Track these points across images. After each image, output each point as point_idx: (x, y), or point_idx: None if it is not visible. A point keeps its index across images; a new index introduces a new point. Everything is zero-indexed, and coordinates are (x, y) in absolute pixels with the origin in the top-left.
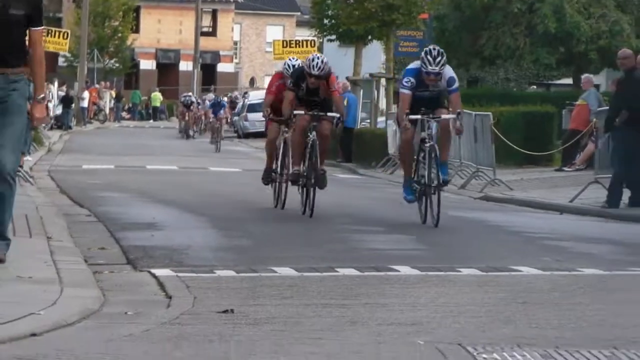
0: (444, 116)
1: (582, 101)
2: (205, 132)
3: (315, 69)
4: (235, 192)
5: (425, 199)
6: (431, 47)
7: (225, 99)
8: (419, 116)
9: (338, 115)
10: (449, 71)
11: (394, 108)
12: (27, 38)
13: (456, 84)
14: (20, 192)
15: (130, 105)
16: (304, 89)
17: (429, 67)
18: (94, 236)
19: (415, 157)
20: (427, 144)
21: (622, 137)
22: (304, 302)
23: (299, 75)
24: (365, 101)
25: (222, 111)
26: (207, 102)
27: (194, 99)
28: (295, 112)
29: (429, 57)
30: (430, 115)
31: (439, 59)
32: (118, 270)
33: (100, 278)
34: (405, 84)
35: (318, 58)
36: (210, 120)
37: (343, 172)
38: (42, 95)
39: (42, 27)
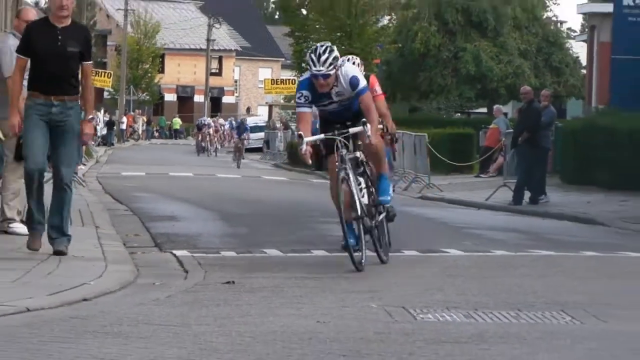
0: (351, 130)
1: (494, 125)
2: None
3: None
4: (235, 192)
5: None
6: (318, 44)
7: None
8: (321, 136)
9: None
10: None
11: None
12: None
13: (362, 84)
14: (75, 193)
15: (158, 127)
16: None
17: (314, 69)
18: (130, 226)
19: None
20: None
21: (523, 153)
22: (287, 275)
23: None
24: None
25: (245, 133)
26: (227, 125)
27: (206, 122)
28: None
29: (312, 56)
30: (336, 132)
31: (324, 56)
32: (148, 252)
33: (134, 257)
34: (298, 100)
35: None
36: (234, 140)
37: (315, 177)
38: (91, 116)
39: (92, 62)
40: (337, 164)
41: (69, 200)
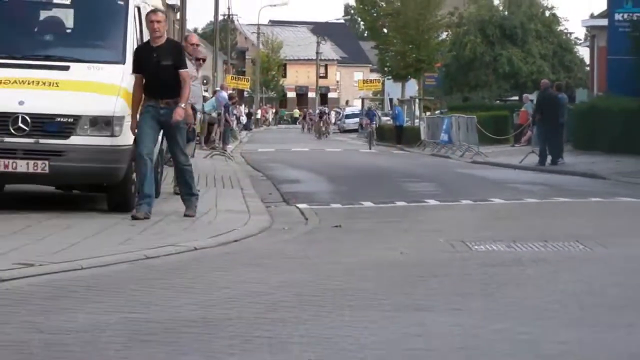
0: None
1: (523, 109)
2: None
3: None
4: (338, 161)
5: None
6: None
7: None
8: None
9: None
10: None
11: (423, 114)
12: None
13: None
14: (226, 165)
15: (282, 116)
16: None
17: None
18: (266, 187)
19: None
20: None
21: (540, 128)
22: (378, 220)
23: None
24: (408, 111)
25: (374, 118)
26: (333, 114)
27: (326, 110)
28: None
29: None
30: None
31: None
32: (279, 205)
33: (269, 210)
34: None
35: None
36: (365, 123)
37: (396, 149)
38: (183, 104)
39: (186, 69)
40: None
41: (190, 173)
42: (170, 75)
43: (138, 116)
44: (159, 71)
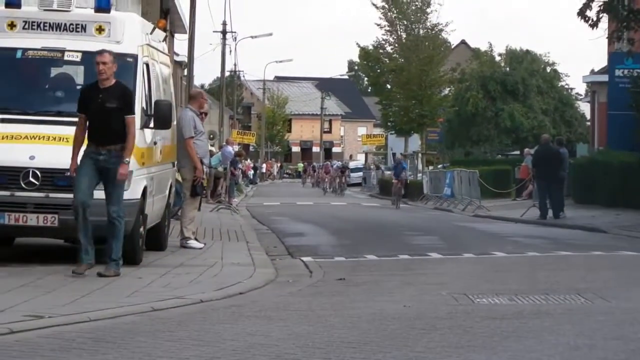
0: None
1: (524, 163)
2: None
3: None
4: (343, 215)
5: None
6: None
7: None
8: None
9: None
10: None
11: (426, 169)
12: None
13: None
14: (232, 218)
15: (289, 170)
16: None
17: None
18: (271, 240)
19: None
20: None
21: (540, 182)
22: (382, 273)
23: None
24: (411, 166)
25: (402, 172)
26: (334, 166)
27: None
28: None
29: None
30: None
31: None
32: (283, 258)
33: (274, 262)
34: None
35: None
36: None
37: (402, 203)
38: (127, 159)
39: (133, 115)
40: None
41: (119, 230)
42: (114, 119)
43: (78, 160)
44: (103, 113)
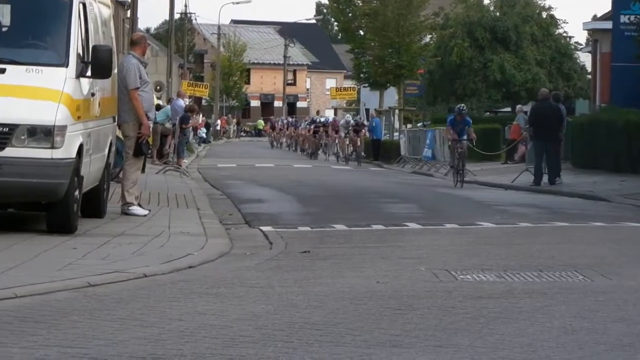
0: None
1: (515, 122)
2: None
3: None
4: (307, 178)
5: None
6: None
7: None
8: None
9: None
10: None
11: (403, 127)
12: None
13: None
14: (181, 181)
15: (246, 128)
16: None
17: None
18: (225, 207)
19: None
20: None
21: (536, 143)
22: (352, 245)
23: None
24: (386, 123)
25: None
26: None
27: (282, 121)
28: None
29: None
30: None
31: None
32: (240, 228)
33: (229, 232)
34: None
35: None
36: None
37: (373, 166)
38: None
39: None
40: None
41: None
42: None
43: None
44: None
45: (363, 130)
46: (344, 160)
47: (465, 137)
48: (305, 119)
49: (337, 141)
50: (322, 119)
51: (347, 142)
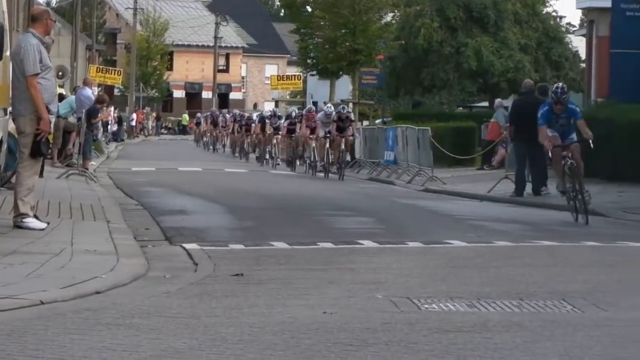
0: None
1: (493, 119)
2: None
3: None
4: (242, 186)
5: None
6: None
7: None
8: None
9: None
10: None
11: (359, 124)
12: None
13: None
14: (87, 188)
15: (168, 124)
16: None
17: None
18: (141, 220)
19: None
20: None
21: (521, 145)
22: (294, 267)
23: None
24: None
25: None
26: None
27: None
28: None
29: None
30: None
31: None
32: (158, 245)
33: (145, 251)
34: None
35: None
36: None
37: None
38: None
39: None
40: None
41: None
42: None
43: None
44: None
45: (350, 129)
46: (322, 170)
47: (574, 136)
48: (263, 112)
49: (313, 144)
50: (298, 111)
51: (327, 145)
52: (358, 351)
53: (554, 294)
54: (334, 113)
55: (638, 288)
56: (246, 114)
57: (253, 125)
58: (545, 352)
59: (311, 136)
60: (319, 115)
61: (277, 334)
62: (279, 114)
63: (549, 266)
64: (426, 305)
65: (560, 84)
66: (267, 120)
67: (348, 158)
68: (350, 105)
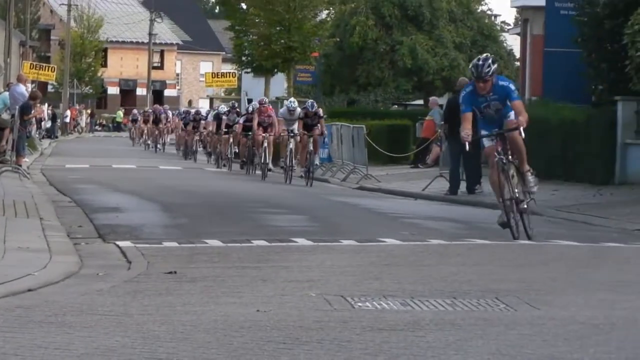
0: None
1: (429, 117)
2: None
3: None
4: (177, 184)
5: None
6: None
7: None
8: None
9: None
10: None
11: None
12: None
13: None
14: (20, 185)
15: (102, 121)
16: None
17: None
18: (74, 217)
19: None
20: None
21: (455, 143)
22: (228, 265)
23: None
24: None
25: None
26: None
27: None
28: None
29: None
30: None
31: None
32: (92, 242)
33: (78, 248)
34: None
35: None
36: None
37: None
38: None
39: None
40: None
41: None
42: None
43: None
44: None
45: (319, 126)
46: (302, 176)
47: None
48: (219, 108)
49: (264, 144)
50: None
51: (291, 146)
52: (291, 349)
53: (487, 292)
54: (298, 109)
55: (571, 287)
56: (192, 110)
57: (203, 122)
58: (477, 350)
59: (263, 134)
60: (281, 111)
61: (210, 332)
62: (238, 109)
63: (482, 265)
64: (359, 304)
65: (483, 55)
66: (223, 117)
67: (317, 161)
68: (285, 102)
